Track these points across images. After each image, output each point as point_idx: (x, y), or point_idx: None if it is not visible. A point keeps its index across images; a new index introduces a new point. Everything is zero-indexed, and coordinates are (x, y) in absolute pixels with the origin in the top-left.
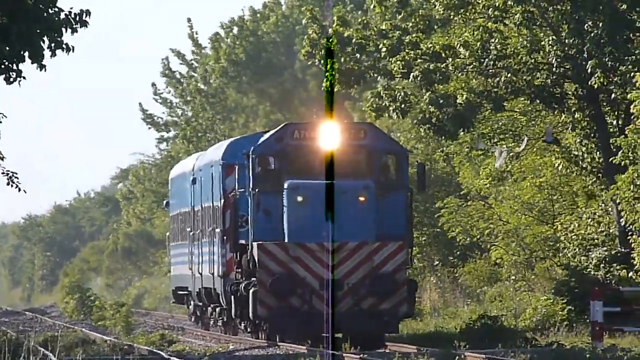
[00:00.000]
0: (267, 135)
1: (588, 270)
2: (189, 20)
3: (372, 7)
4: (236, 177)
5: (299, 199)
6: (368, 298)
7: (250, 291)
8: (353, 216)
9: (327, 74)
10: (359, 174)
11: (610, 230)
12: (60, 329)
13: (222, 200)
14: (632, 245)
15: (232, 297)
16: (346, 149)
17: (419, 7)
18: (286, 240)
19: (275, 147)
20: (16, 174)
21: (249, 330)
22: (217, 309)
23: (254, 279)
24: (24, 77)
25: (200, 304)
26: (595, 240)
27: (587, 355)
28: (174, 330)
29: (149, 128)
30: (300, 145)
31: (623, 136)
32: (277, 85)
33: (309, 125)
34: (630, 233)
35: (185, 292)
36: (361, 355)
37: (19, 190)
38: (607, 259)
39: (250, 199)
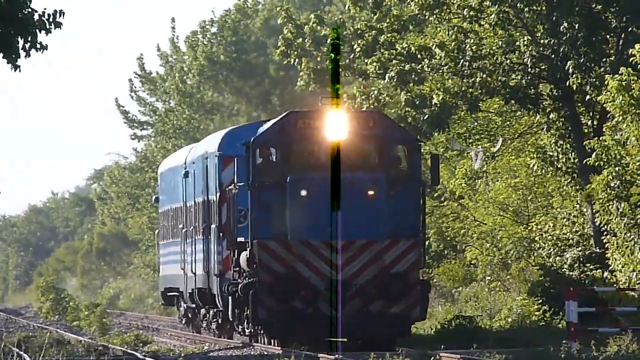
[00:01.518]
0: (268, 125)
1: (563, 270)
2: (172, 20)
3: (347, 7)
4: (235, 169)
5: (303, 193)
6: (377, 300)
7: (250, 292)
8: (361, 212)
9: (331, 59)
10: (367, 166)
11: (585, 231)
12: (34, 330)
13: (218, 195)
14: (607, 245)
15: (230, 298)
16: (354, 139)
17: (394, 5)
18: (289, 238)
19: (278, 137)
20: None
21: (247, 333)
22: (212, 311)
23: (254, 279)
24: None
25: (193, 305)
26: (570, 241)
27: (562, 356)
28: (149, 330)
29: (125, 123)
30: (304, 136)
31: (597, 138)
32: (256, 85)
33: (313, 113)
34: (604, 233)
35: (175, 294)
36: (336, 356)
37: None
38: (582, 259)
39: (250, 193)
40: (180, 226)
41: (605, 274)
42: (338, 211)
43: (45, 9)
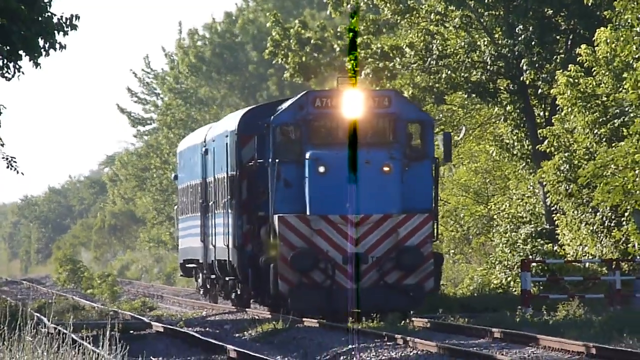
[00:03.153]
0: (287, 104)
1: (518, 244)
2: (179, 24)
3: (329, 12)
4: (255, 146)
5: (321, 169)
6: (393, 272)
7: (271, 266)
8: (377, 187)
9: (349, 41)
10: (383, 143)
11: (537, 210)
12: (53, 297)
13: (239, 171)
14: (556, 222)
15: (249, 270)
16: (370, 117)
17: (369, 12)
18: (308, 213)
19: (297, 116)
20: (15, 158)
21: (266, 304)
22: (231, 282)
23: (275, 252)
24: (23, 73)
25: (213, 276)
26: (524, 218)
27: (517, 319)
28: (154, 298)
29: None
30: (322, 114)
31: (548, 127)
32: (244, 80)
33: (331, 92)
34: (554, 212)
35: (194, 265)
36: (319, 320)
37: (17, 172)
38: (534, 235)
39: (270, 169)
40: (200, 201)
41: (555, 247)
42: (355, 186)
43: (63, 13)
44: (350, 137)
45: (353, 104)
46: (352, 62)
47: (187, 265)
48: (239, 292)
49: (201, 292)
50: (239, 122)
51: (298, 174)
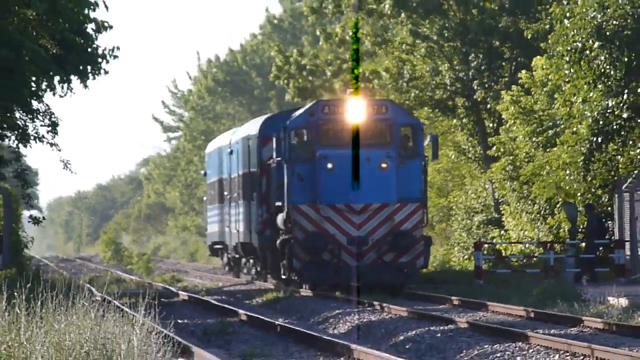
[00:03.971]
0: (300, 111)
1: (472, 229)
2: (197, 53)
3: (321, 43)
4: (274, 147)
5: (329, 166)
6: (389, 252)
7: (286, 247)
8: (376, 181)
9: (352, 55)
10: (381, 144)
11: (487, 202)
12: (100, 272)
13: (259, 168)
14: (502, 212)
15: (267, 251)
16: (370, 122)
17: (354, 42)
18: (318, 202)
19: (308, 121)
20: (69, 161)
21: (281, 278)
22: (252, 260)
23: (290, 236)
24: (74, 93)
25: (237, 255)
26: (477, 209)
27: (472, 290)
28: (181, 272)
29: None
30: (330, 120)
31: (496, 136)
32: (251, 100)
33: (337, 101)
34: (501, 203)
35: (220, 247)
36: (314, 291)
37: (71, 172)
38: (485, 222)
39: (286, 166)
40: (226, 193)
41: (502, 232)
42: (357, 180)
43: (106, 46)
44: (353, 139)
45: (356, 111)
46: (354, 79)
47: (214, 247)
48: (258, 269)
49: (226, 269)
50: (260, 127)
51: (310, 170)
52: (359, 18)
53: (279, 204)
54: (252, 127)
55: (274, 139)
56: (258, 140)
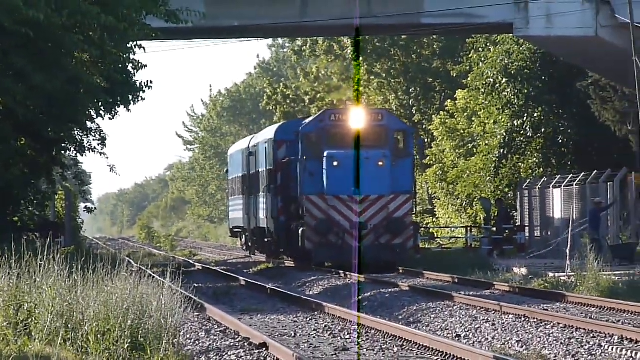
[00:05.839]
0: (311, 119)
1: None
2: (210, 86)
3: (301, 79)
4: (287, 149)
5: (335, 163)
6: (385, 235)
7: (300, 230)
8: (374, 176)
9: (355, 69)
10: (378, 146)
11: (424, 196)
12: (136, 248)
13: (275, 166)
14: (435, 204)
15: (282, 233)
16: (369, 128)
17: (326, 79)
18: (325, 194)
19: (318, 126)
20: (115, 165)
21: (293, 257)
22: (268, 241)
23: (302, 221)
24: (119, 115)
25: (255, 238)
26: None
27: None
28: (196, 249)
29: (183, 146)
30: (336, 125)
31: (430, 148)
32: (249, 121)
33: (342, 110)
34: (433, 198)
35: (239, 230)
36: (294, 262)
37: (116, 174)
38: (422, 212)
39: (300, 164)
40: (246, 187)
41: (434, 219)
42: (358, 176)
43: (142, 80)
44: (355, 141)
45: (357, 118)
46: (356, 93)
47: (234, 230)
48: (273, 249)
49: (244, 248)
50: (275, 132)
51: (319, 167)
52: (329, 60)
53: (293, 195)
54: (268, 133)
55: (287, 142)
56: (274, 143)
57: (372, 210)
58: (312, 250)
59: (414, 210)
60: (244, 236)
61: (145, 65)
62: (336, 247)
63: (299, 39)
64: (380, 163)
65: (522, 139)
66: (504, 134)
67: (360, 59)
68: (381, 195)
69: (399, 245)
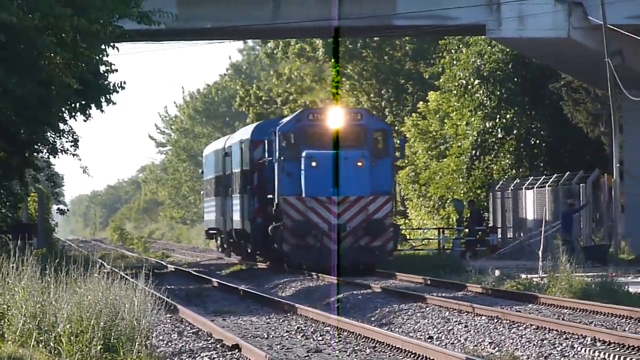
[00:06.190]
0: (288, 118)
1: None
2: (182, 88)
3: (273, 80)
4: (265, 149)
5: (313, 164)
6: (364, 237)
7: (277, 232)
8: (353, 177)
9: (334, 68)
10: (357, 146)
11: (398, 199)
12: (109, 250)
13: (251, 166)
14: (407, 205)
15: (258, 235)
16: (347, 128)
17: (299, 80)
18: (303, 195)
19: (295, 126)
20: (87, 167)
21: (269, 259)
22: (243, 243)
23: (279, 223)
24: (92, 117)
25: (231, 240)
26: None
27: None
28: (169, 250)
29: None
30: (314, 125)
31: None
32: (222, 124)
33: (320, 110)
34: (406, 199)
35: (214, 232)
36: (267, 264)
37: (89, 176)
38: (395, 213)
39: (277, 164)
40: (222, 188)
41: (406, 221)
42: (337, 177)
43: (115, 81)
44: (334, 141)
45: (335, 118)
46: (334, 93)
47: (209, 232)
48: (249, 251)
49: (219, 250)
50: (252, 132)
51: (296, 167)
52: (301, 62)
53: (270, 196)
54: (245, 133)
55: (266, 142)
56: (250, 143)
57: (351, 212)
58: (290, 253)
59: (394, 211)
60: (219, 238)
61: (117, 70)
62: (314, 250)
63: (271, 41)
64: (360, 163)
65: (494, 140)
66: (476, 135)
67: (334, 60)
68: (360, 196)
69: (378, 247)
